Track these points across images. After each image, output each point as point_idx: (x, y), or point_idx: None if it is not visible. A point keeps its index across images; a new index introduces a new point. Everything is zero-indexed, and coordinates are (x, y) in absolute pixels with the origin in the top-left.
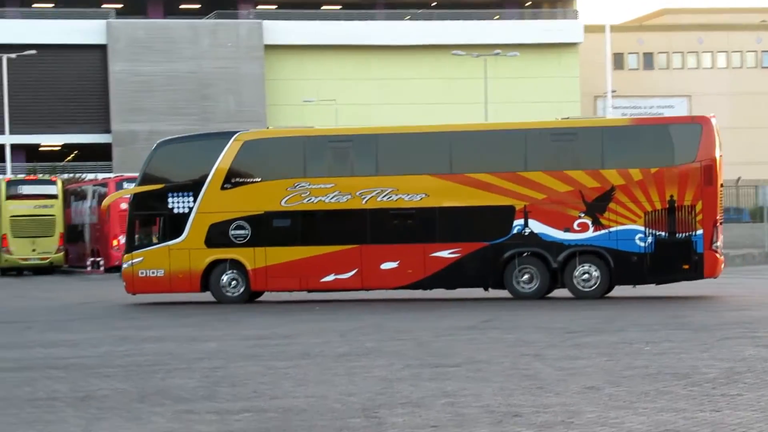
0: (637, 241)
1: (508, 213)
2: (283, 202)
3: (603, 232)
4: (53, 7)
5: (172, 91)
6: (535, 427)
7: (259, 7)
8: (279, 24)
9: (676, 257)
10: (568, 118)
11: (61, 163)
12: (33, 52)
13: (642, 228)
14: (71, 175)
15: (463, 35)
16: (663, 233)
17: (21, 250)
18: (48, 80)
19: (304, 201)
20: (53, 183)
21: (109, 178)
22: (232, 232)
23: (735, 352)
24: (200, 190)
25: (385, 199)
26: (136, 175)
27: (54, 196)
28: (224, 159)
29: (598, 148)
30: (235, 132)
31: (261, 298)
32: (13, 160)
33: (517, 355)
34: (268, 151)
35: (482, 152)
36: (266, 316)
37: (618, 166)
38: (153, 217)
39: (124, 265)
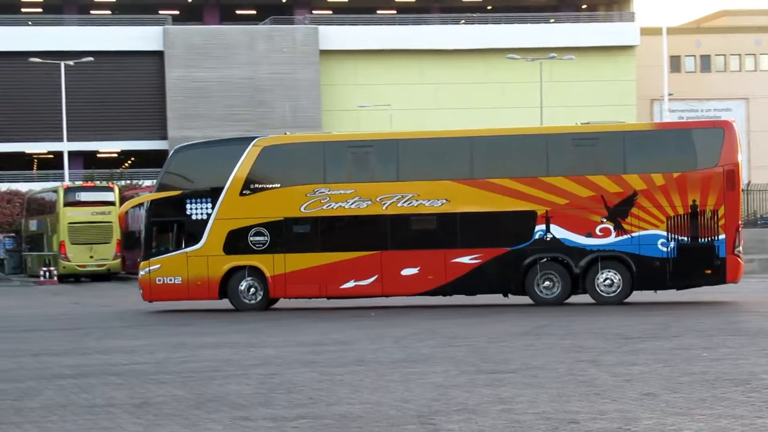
0: (660, 246)
1: (530, 218)
2: (302, 208)
3: (625, 237)
4: (110, 14)
5: (228, 97)
6: None
7: (315, 12)
8: (334, 29)
9: (699, 262)
10: (588, 123)
11: (118, 170)
12: (90, 59)
13: (664, 233)
14: (128, 181)
15: (518, 39)
16: (685, 238)
17: (79, 257)
18: (105, 87)
19: (324, 207)
20: (110, 190)
21: None
22: (251, 238)
23: None
24: (219, 196)
25: (405, 204)
26: None
27: (111, 203)
28: (243, 165)
29: (620, 153)
30: (254, 137)
31: (276, 305)
32: (70, 167)
33: (573, 361)
34: (287, 156)
35: (503, 157)
36: (321, 322)
37: (640, 171)
38: (170, 224)
39: (141, 273)
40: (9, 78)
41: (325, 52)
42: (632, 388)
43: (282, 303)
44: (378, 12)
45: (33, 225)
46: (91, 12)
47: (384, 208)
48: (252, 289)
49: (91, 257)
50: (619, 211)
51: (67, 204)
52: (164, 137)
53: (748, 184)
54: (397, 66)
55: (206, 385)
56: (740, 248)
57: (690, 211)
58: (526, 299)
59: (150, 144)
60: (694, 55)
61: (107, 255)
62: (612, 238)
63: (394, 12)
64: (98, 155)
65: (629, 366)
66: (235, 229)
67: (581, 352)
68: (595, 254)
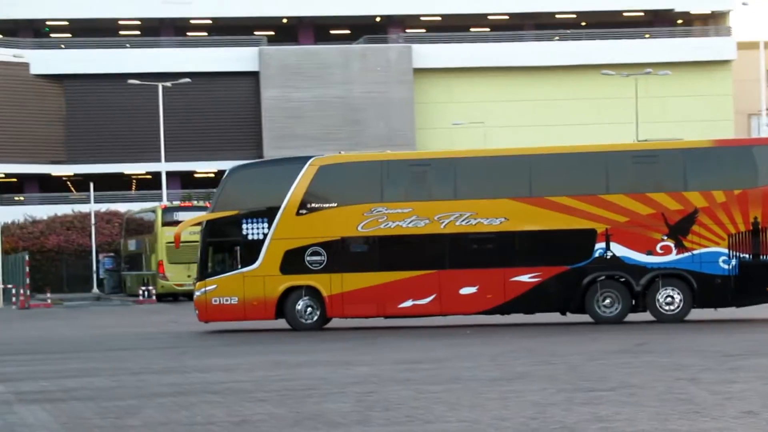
0: (721, 264)
1: (590, 236)
2: (359, 228)
3: (686, 254)
4: (207, 35)
5: (322, 117)
6: None
7: (408, 30)
8: (428, 47)
9: (761, 280)
10: (647, 140)
11: (215, 190)
12: (187, 80)
13: (725, 250)
14: None
15: (612, 54)
16: (747, 255)
17: (177, 276)
18: (202, 108)
19: (382, 226)
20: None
21: None
22: (308, 258)
23: None
24: (275, 216)
25: (464, 223)
26: None
27: None
28: (300, 184)
29: (680, 170)
30: (310, 157)
31: (329, 325)
32: (168, 187)
33: (672, 379)
34: (344, 175)
35: (563, 175)
36: (415, 340)
37: (701, 188)
38: (227, 244)
39: (197, 293)
40: (108, 100)
41: (418, 71)
42: (732, 406)
43: (335, 323)
44: (471, 30)
45: (132, 245)
46: (188, 34)
47: (442, 226)
48: (309, 309)
49: (189, 276)
50: (679, 229)
51: (165, 224)
52: (260, 157)
53: None
54: (490, 83)
55: (304, 403)
56: None
57: (751, 228)
58: (584, 317)
59: None
60: None
61: None
62: (673, 256)
63: (488, 29)
64: (195, 175)
65: (729, 384)
66: (291, 249)
67: (680, 370)
68: (655, 272)
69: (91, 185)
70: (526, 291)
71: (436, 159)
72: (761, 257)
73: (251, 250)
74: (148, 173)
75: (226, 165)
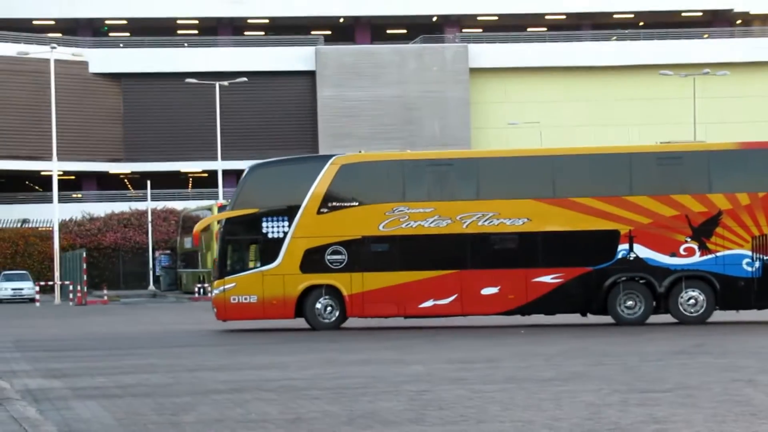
0: (745, 266)
1: (613, 238)
2: (381, 227)
3: (710, 256)
4: (264, 35)
5: (378, 116)
6: None
7: (465, 30)
8: (484, 47)
9: None
10: (669, 142)
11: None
12: (244, 79)
13: (749, 253)
14: None
15: (670, 55)
16: None
17: None
18: (258, 107)
19: (403, 225)
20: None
21: None
22: (328, 257)
23: None
24: (295, 215)
25: (486, 223)
26: None
27: None
28: (321, 183)
29: (704, 172)
30: (332, 155)
31: (345, 324)
32: (224, 185)
33: (729, 380)
34: (365, 174)
35: (586, 176)
36: (469, 339)
37: (725, 191)
38: (246, 243)
39: (215, 292)
40: (165, 99)
41: (474, 70)
42: None
43: (351, 322)
44: (528, 29)
45: (188, 242)
46: (245, 33)
47: (464, 226)
48: (329, 308)
49: None
50: (703, 231)
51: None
52: None
53: None
54: (547, 83)
55: (357, 401)
56: None
57: None
58: (606, 319)
59: None
60: None
61: None
62: (696, 258)
63: (545, 29)
64: None
65: None
66: (312, 248)
67: (737, 372)
68: (679, 274)
69: (148, 183)
70: (548, 292)
71: (459, 159)
72: None
73: (271, 248)
74: (204, 171)
75: None
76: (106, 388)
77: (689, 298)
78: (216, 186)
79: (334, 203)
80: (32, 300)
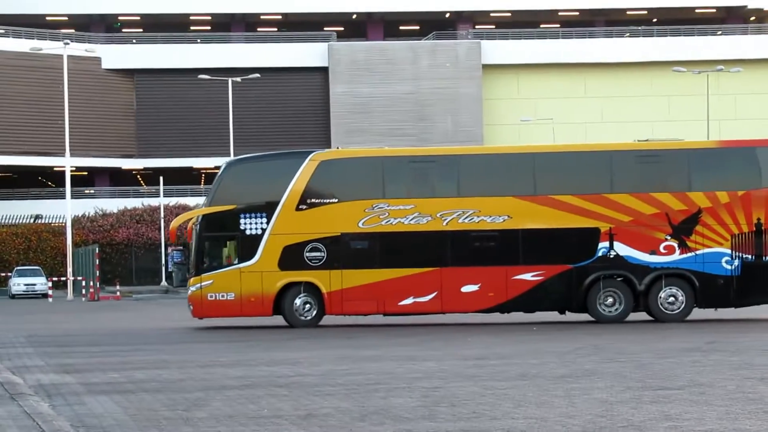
0: (724, 264)
1: (593, 235)
2: (360, 224)
3: (689, 254)
4: (276, 31)
5: (391, 112)
6: None
7: (478, 26)
8: (497, 43)
9: (763, 280)
10: (647, 140)
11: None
12: (257, 75)
13: (728, 251)
14: None
15: (684, 51)
16: (749, 256)
17: None
18: (271, 103)
19: (383, 222)
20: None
21: None
22: (307, 254)
23: None
24: (274, 211)
25: (466, 221)
26: None
27: None
28: (300, 179)
29: (684, 170)
30: (311, 152)
31: (322, 322)
32: None
33: (742, 378)
34: (345, 171)
35: (567, 174)
36: (482, 336)
37: (705, 189)
38: (223, 239)
39: (192, 289)
40: (178, 94)
41: (487, 67)
42: None
43: (327, 319)
44: (541, 26)
45: None
46: (258, 29)
47: (444, 224)
48: (307, 305)
49: None
50: (683, 229)
51: None
52: None
53: None
54: (560, 80)
55: (370, 398)
56: None
57: (755, 228)
58: (584, 317)
59: None
60: None
61: None
62: (676, 256)
63: (558, 26)
64: None
65: None
66: (290, 245)
67: (750, 369)
68: (658, 272)
69: (161, 179)
70: (529, 289)
71: (440, 156)
72: (764, 258)
73: (249, 245)
74: (217, 168)
75: None
76: (118, 383)
77: (669, 296)
78: None
79: (313, 200)
80: (45, 296)
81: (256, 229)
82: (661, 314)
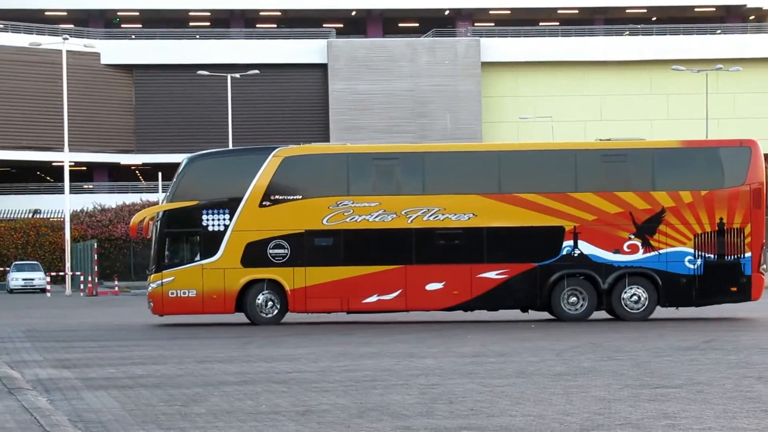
0: (687, 264)
1: (558, 234)
2: (324, 221)
3: (653, 254)
4: (276, 27)
5: (390, 109)
6: None
7: (477, 24)
8: (496, 41)
9: (725, 280)
10: (610, 139)
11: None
12: (256, 71)
13: (691, 250)
14: None
15: (683, 50)
16: (712, 256)
17: None
18: (270, 99)
19: (347, 220)
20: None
21: None
22: (271, 251)
23: None
24: (237, 208)
25: (431, 218)
26: None
27: None
28: (263, 175)
29: (648, 170)
30: (274, 147)
31: (284, 319)
32: None
33: (740, 377)
34: (309, 167)
35: (531, 172)
36: (480, 334)
37: (668, 188)
38: (185, 235)
39: (152, 285)
40: (177, 90)
41: (486, 64)
42: None
43: (291, 317)
44: (541, 24)
45: None
46: (257, 26)
47: (409, 221)
48: (269, 303)
49: None
50: (647, 228)
51: None
52: None
53: None
54: (559, 78)
55: (368, 394)
56: (765, 266)
57: (717, 228)
58: (546, 314)
59: None
60: None
61: None
62: (639, 255)
63: (557, 23)
64: None
65: None
66: (253, 241)
67: (748, 368)
68: (622, 270)
69: (160, 174)
70: (493, 288)
71: (405, 153)
72: (726, 258)
73: (211, 241)
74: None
75: None
76: (116, 378)
77: (632, 295)
78: None
79: (276, 196)
80: (43, 290)
81: (219, 225)
82: (624, 313)
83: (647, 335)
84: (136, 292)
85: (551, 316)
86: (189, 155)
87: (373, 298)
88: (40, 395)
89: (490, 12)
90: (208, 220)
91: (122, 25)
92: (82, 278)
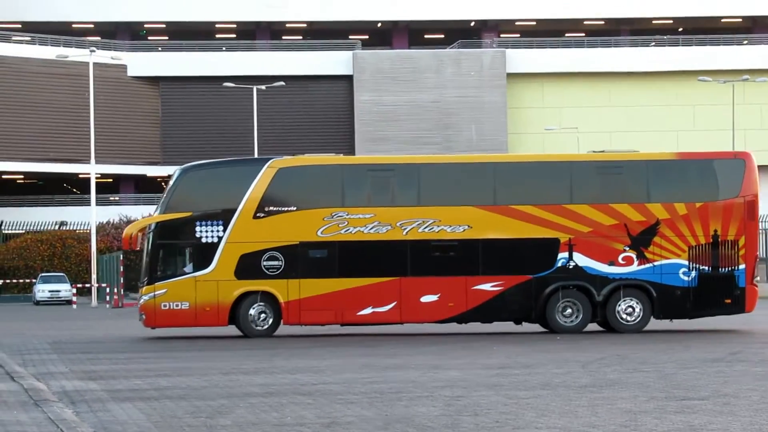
0: (681, 276)
1: (553, 246)
2: (319, 233)
3: (647, 266)
4: (301, 39)
5: (415, 121)
6: None
7: (503, 35)
8: (522, 52)
9: (719, 292)
10: (604, 151)
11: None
12: (282, 83)
13: (686, 262)
14: None
15: (709, 61)
16: (706, 268)
17: None
18: (295, 110)
19: (342, 231)
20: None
21: None
22: (265, 263)
23: None
24: (231, 219)
25: (426, 230)
26: None
27: None
28: (257, 187)
29: (643, 182)
30: (269, 158)
31: (278, 332)
32: None
33: (766, 389)
34: (304, 179)
35: (527, 184)
36: (505, 345)
37: (663, 201)
38: (178, 247)
39: (144, 298)
40: (203, 102)
41: (512, 75)
42: None
43: (284, 329)
44: (566, 35)
45: None
46: (283, 37)
47: (404, 233)
48: (262, 315)
49: None
50: (641, 240)
51: None
52: None
53: None
54: (585, 89)
55: (393, 406)
56: (759, 278)
57: (711, 240)
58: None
59: None
60: None
61: None
62: (634, 267)
63: (583, 34)
64: None
65: None
66: (247, 253)
67: None
68: (617, 282)
69: None
70: (488, 300)
71: (400, 165)
72: (720, 270)
73: (204, 253)
74: None
75: None
76: (142, 390)
77: (627, 307)
78: None
79: (270, 208)
80: (69, 302)
81: (213, 237)
82: (618, 325)
83: (673, 347)
84: None
85: (543, 329)
86: (182, 166)
87: (368, 310)
88: (66, 407)
89: (516, 23)
90: (201, 231)
91: (149, 38)
92: (108, 290)
